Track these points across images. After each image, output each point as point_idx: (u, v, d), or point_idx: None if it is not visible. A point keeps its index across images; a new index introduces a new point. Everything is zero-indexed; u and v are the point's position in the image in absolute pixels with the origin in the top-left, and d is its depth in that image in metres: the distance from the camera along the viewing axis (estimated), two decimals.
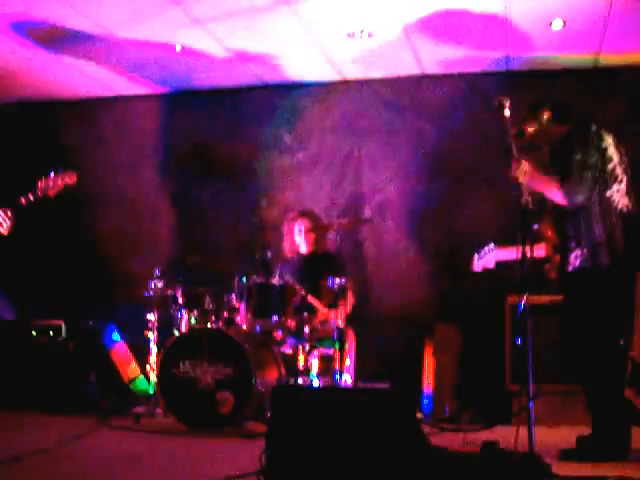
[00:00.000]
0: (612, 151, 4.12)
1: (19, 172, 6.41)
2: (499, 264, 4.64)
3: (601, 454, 3.91)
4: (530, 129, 4.31)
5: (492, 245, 4.49)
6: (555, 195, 4.04)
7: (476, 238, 6.54)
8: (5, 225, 5.20)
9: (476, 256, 4.59)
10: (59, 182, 5.28)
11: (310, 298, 5.69)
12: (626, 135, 6.14)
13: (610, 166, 4.08)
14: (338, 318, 5.51)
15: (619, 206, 4.10)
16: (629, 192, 4.15)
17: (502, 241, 6.21)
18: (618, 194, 4.10)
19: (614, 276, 4.07)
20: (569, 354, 4.25)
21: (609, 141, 4.13)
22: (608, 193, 4.07)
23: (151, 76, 7.17)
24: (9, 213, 5.21)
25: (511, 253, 3.97)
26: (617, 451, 3.93)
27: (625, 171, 4.17)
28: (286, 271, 6.15)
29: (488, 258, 4.53)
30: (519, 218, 3.86)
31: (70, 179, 5.32)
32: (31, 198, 5.24)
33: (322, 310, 5.78)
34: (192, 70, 6.99)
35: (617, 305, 4.12)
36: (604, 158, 4.07)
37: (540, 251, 4.25)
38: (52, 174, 5.28)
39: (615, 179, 4.10)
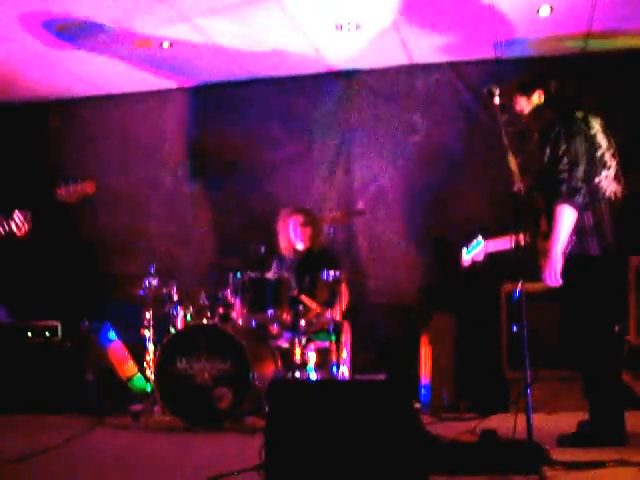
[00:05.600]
0: (600, 137, 4.10)
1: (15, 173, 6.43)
2: (488, 256, 4.62)
3: (599, 440, 3.92)
4: (519, 108, 4.27)
5: (480, 238, 4.46)
6: (567, 218, 3.97)
7: (469, 226, 6.58)
8: (23, 229, 5.18)
9: (464, 250, 4.57)
10: (79, 190, 5.27)
11: (303, 298, 5.67)
12: (616, 121, 6.18)
13: (599, 153, 4.07)
14: (335, 315, 5.52)
15: (607, 192, 4.08)
16: (618, 177, 4.14)
17: (495, 229, 6.27)
18: (607, 180, 4.09)
19: (604, 262, 4.07)
20: (567, 340, 4.27)
21: (596, 127, 4.12)
22: (597, 180, 4.06)
23: (141, 73, 7.14)
24: (28, 216, 5.19)
25: (500, 244, 3.97)
26: (615, 436, 3.94)
27: (614, 156, 4.14)
28: (282, 267, 6.14)
29: (477, 251, 4.49)
30: (511, 205, 3.86)
31: (90, 188, 5.30)
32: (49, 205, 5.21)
33: (316, 310, 5.76)
34: (180, 66, 6.97)
35: (609, 290, 4.14)
36: (593, 145, 4.07)
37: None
38: (72, 182, 5.26)
39: (604, 165, 4.09)
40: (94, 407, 5.76)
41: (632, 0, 5.64)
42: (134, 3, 5.69)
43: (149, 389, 5.72)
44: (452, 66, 6.87)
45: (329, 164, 7.18)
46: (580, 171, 3.97)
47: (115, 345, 6.48)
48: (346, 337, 5.82)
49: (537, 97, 4.26)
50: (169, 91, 7.54)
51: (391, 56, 6.78)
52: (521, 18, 5.96)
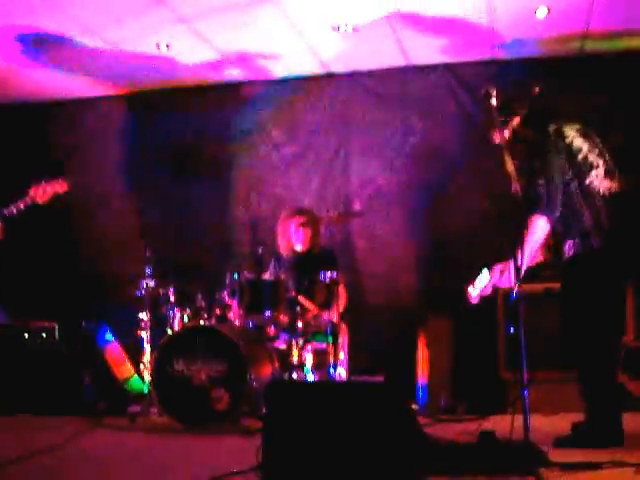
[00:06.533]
0: (578, 142, 4.16)
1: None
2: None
3: (596, 441, 3.93)
4: (500, 140, 4.24)
5: (485, 272, 4.42)
6: (541, 230, 4.04)
7: (465, 228, 6.60)
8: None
9: (470, 288, 4.52)
10: (50, 190, 5.29)
11: (301, 299, 5.66)
12: (613, 123, 6.20)
13: (580, 156, 4.13)
14: (332, 317, 5.51)
15: (601, 190, 4.13)
16: (610, 174, 4.17)
17: (489, 231, 6.30)
18: (597, 179, 4.14)
19: (606, 258, 4.10)
20: (568, 341, 4.28)
21: (572, 134, 4.18)
22: (587, 181, 4.11)
23: (134, 74, 7.14)
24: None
25: (506, 277, 4.01)
26: (612, 438, 3.94)
27: (600, 155, 4.18)
28: (281, 268, 6.13)
29: (483, 284, 4.43)
30: (509, 208, 3.88)
31: (61, 187, 5.33)
32: (22, 206, 5.24)
33: (313, 311, 5.75)
34: (177, 67, 6.96)
35: (613, 287, 4.17)
36: (571, 153, 4.13)
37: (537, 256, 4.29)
38: (43, 182, 5.28)
39: (591, 166, 4.13)
40: (91, 408, 5.75)
41: (629, 1, 5.65)
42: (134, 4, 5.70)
43: (146, 390, 5.71)
44: (449, 67, 6.88)
45: (326, 165, 7.18)
46: (555, 184, 4.03)
47: (112, 346, 6.46)
48: (343, 339, 5.81)
49: (515, 123, 4.31)
50: (165, 92, 7.51)
51: (388, 57, 6.78)
52: (518, 19, 5.97)
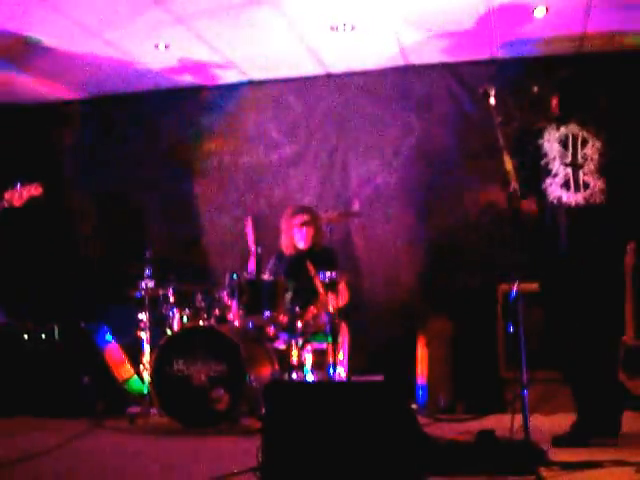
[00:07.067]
0: (548, 147, 4.30)
1: None
2: None
3: (591, 438, 3.96)
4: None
5: None
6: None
7: (465, 227, 6.61)
8: (34, 192, 5.26)
9: None
10: (25, 193, 5.30)
11: (316, 279, 5.56)
12: (611, 123, 6.21)
13: (543, 161, 4.28)
14: (337, 300, 5.43)
15: (551, 197, 4.27)
16: (569, 185, 4.27)
17: (489, 231, 6.31)
18: (551, 187, 4.28)
19: (564, 261, 4.23)
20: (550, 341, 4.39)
21: (547, 137, 4.29)
22: (543, 186, 4.28)
23: (133, 74, 7.13)
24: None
25: None
26: (607, 434, 3.99)
27: (566, 165, 4.27)
28: (281, 267, 6.13)
29: None
30: (508, 206, 3.90)
31: (36, 190, 5.34)
32: None
33: (322, 292, 5.64)
34: (176, 68, 6.96)
35: (575, 289, 4.25)
36: (538, 154, 4.30)
37: None
38: (18, 185, 5.30)
39: (549, 173, 4.28)
40: (91, 409, 5.75)
41: (627, 1, 5.65)
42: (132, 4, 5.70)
43: (146, 391, 5.71)
44: (448, 67, 6.87)
45: (325, 165, 7.18)
46: (522, 178, 4.05)
47: (111, 347, 6.46)
48: (343, 338, 5.81)
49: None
50: (162, 92, 7.50)
51: (387, 57, 6.78)
52: (517, 19, 5.96)
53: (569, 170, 4.28)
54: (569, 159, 4.30)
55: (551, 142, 4.32)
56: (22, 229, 6.48)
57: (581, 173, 4.27)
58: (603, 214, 4.24)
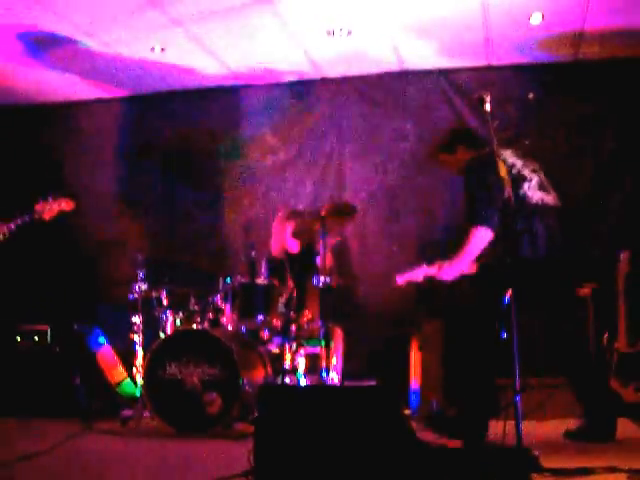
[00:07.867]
0: (512, 160, 4.47)
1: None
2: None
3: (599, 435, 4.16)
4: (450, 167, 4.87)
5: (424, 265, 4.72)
6: (480, 241, 4.40)
7: (459, 233, 6.59)
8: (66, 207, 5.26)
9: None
10: (55, 207, 5.26)
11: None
12: (607, 129, 6.23)
13: (514, 171, 4.40)
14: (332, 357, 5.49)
15: (534, 200, 4.41)
16: (544, 187, 4.48)
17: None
18: (530, 190, 4.43)
19: (539, 264, 4.35)
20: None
21: (503, 155, 4.34)
22: (521, 192, 4.38)
23: (130, 78, 7.13)
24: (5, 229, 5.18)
25: (446, 270, 4.24)
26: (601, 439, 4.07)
27: (534, 171, 4.50)
28: (273, 269, 6.12)
29: (414, 275, 4.73)
30: (502, 213, 3.92)
31: (67, 205, 5.31)
32: (27, 220, 5.20)
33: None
34: (170, 71, 6.96)
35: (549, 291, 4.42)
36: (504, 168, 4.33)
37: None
38: (50, 198, 5.25)
39: (523, 179, 4.42)
40: (83, 412, 5.73)
41: (623, 8, 5.66)
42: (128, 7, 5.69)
43: (138, 394, 5.69)
44: (443, 72, 6.89)
45: (320, 170, 7.19)
46: (492, 198, 4.20)
47: (104, 350, 6.45)
48: (337, 343, 5.81)
49: (461, 152, 4.74)
50: (160, 95, 7.51)
51: (382, 62, 6.78)
52: (513, 25, 5.98)
53: (537, 176, 4.50)
54: (532, 164, 4.55)
55: (510, 156, 4.50)
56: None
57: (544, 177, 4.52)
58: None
